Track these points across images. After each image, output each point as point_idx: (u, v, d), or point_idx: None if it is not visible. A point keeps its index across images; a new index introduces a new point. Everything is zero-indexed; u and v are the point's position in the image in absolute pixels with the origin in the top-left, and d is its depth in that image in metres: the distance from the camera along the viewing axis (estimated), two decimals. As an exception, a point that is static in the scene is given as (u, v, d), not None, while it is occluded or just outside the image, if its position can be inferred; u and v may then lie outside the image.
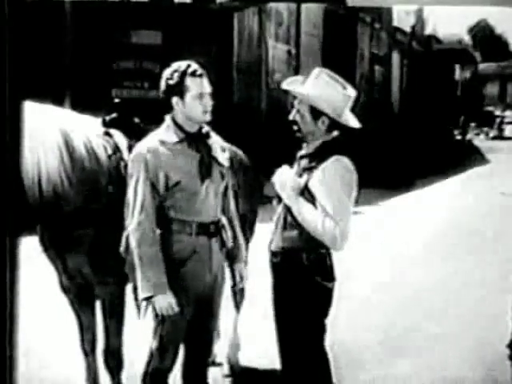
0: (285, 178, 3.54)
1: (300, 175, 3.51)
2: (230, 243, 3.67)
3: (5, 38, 3.04)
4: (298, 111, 3.53)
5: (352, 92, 3.55)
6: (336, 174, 3.43)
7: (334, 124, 3.53)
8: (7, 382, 3.15)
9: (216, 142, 3.66)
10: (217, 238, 3.59)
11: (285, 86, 3.61)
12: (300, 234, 3.48)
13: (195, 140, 3.53)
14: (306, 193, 3.47)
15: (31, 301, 3.76)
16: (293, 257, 3.51)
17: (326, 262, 3.54)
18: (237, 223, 3.80)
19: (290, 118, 3.57)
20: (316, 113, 3.50)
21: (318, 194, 3.44)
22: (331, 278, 3.56)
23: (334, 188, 3.42)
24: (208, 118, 3.52)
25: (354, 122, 3.55)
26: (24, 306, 3.29)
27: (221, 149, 3.67)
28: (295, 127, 3.56)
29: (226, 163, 3.67)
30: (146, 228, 3.42)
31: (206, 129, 3.58)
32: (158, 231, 3.47)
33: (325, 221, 3.40)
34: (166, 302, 3.41)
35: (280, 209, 3.59)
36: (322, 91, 3.48)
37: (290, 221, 3.51)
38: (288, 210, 3.52)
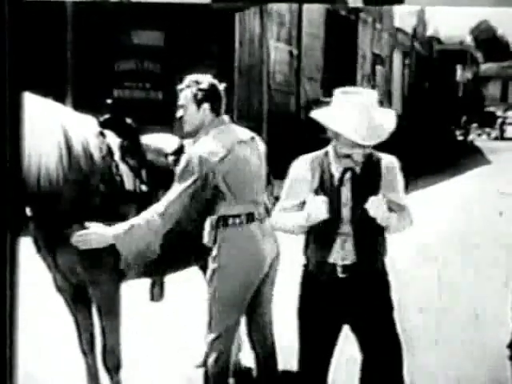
0: (377, 207, 3.36)
1: (374, 190, 3.41)
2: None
3: (5, 37, 3.05)
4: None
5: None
6: (398, 171, 3.61)
7: None
8: (7, 383, 3.15)
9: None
10: None
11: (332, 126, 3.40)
12: (377, 244, 3.45)
13: None
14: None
15: (32, 301, 3.76)
16: (366, 266, 3.43)
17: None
18: None
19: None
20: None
21: (395, 196, 3.54)
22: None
23: (401, 183, 3.61)
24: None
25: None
26: (24, 306, 3.29)
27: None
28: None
29: None
30: None
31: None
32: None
33: (407, 216, 3.55)
34: None
35: (327, 222, 3.37)
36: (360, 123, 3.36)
37: (364, 235, 3.41)
38: (359, 222, 3.39)
